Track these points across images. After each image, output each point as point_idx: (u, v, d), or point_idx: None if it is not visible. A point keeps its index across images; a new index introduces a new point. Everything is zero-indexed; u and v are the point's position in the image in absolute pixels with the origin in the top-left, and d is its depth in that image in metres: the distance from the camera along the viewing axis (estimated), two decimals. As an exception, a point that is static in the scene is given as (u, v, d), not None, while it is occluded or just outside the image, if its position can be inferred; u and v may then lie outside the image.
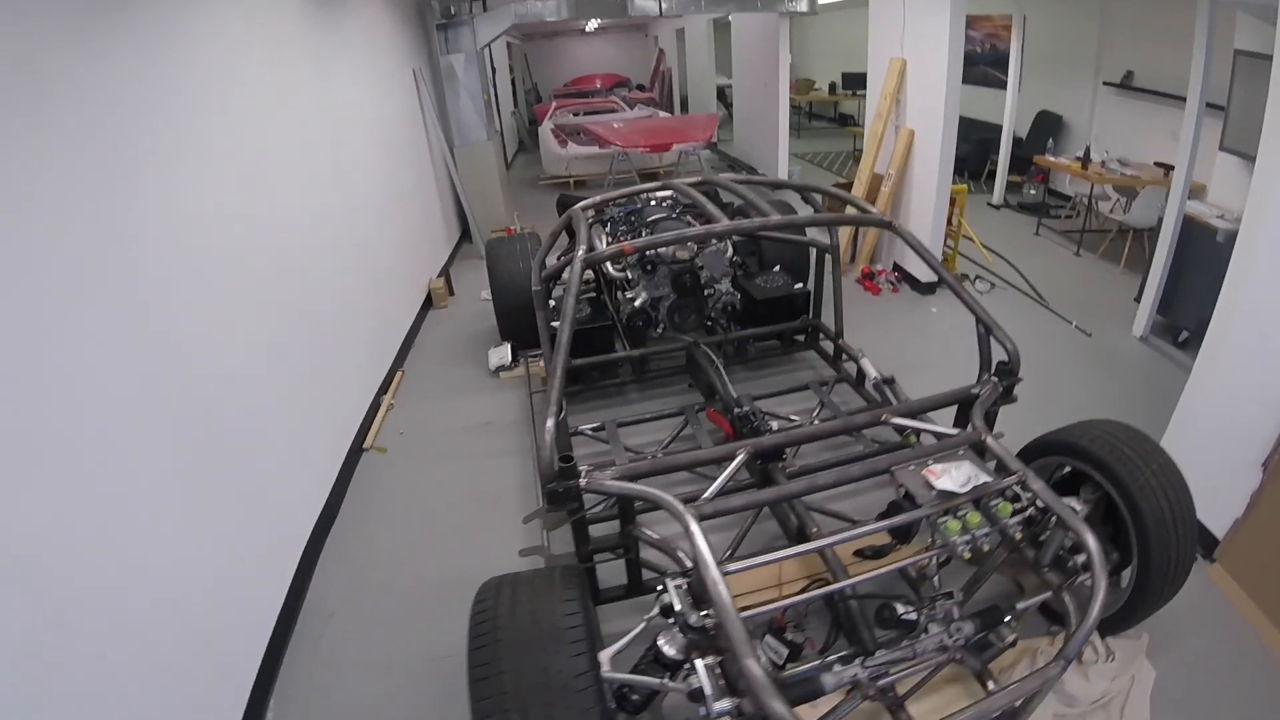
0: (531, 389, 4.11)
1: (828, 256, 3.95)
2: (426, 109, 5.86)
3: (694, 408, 3.71)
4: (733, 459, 2.33)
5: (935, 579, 2.10)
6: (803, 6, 7.29)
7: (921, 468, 2.09)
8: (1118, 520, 2.17)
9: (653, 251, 3.78)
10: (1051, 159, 6.78)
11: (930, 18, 4.84)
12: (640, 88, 14.50)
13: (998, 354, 2.61)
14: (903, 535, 2.08)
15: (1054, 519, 2.00)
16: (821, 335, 4.34)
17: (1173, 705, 2.16)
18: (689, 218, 4.34)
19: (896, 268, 5.93)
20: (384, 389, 4.22)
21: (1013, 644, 1.97)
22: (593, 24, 13.96)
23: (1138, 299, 5.32)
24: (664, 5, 6.71)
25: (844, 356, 4.09)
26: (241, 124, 2.76)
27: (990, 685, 1.93)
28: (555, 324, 2.85)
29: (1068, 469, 2.37)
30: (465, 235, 7.11)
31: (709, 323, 4.14)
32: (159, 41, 2.22)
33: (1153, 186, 5.92)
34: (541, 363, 4.12)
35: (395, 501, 3.39)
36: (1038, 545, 2.17)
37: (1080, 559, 2.05)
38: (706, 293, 4.04)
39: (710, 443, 3.38)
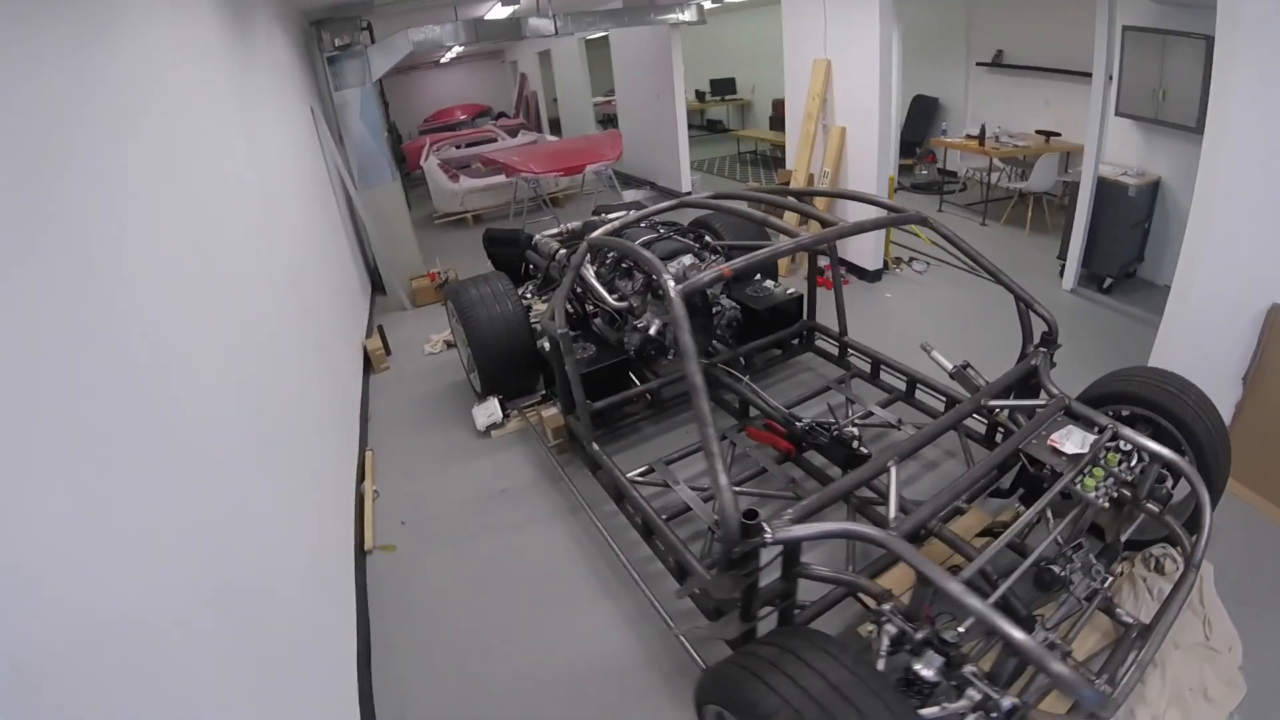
0: (548, 442, 3.64)
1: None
2: (327, 150, 5.19)
3: (734, 429, 3.45)
4: (884, 472, 2.21)
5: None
6: (691, 16, 7.30)
7: (1042, 441, 2.28)
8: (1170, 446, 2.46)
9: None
10: (948, 139, 7.19)
11: (856, 17, 4.92)
12: (503, 115, 14.08)
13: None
14: (1032, 500, 2.28)
15: (1147, 457, 2.23)
16: (818, 335, 4.25)
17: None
18: (673, 235, 4.09)
19: (842, 260, 6.00)
20: (359, 475, 3.59)
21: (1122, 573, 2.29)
22: (448, 55, 13.39)
23: (1060, 256, 5.72)
24: (559, 25, 6.46)
25: (849, 352, 4.04)
26: (181, 183, 2.16)
27: (1120, 613, 2.12)
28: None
29: (1125, 412, 2.61)
30: (377, 287, 6.41)
31: (716, 340, 3.89)
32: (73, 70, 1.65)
33: (1048, 154, 6.40)
34: (546, 413, 3.70)
35: (430, 604, 2.83)
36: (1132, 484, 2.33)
37: (1168, 485, 2.31)
38: (715, 310, 3.79)
39: (765, 462, 3.16)
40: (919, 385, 3.65)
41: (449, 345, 5.23)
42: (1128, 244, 5.31)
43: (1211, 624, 2.34)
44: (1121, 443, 2.27)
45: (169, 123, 2.09)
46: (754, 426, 3.46)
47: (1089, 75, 6.52)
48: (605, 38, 10.36)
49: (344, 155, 5.39)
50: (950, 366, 2.88)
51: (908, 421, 3.48)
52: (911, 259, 6.06)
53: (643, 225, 4.16)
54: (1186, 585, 2.01)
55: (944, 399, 3.51)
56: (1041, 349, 2.80)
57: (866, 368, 3.93)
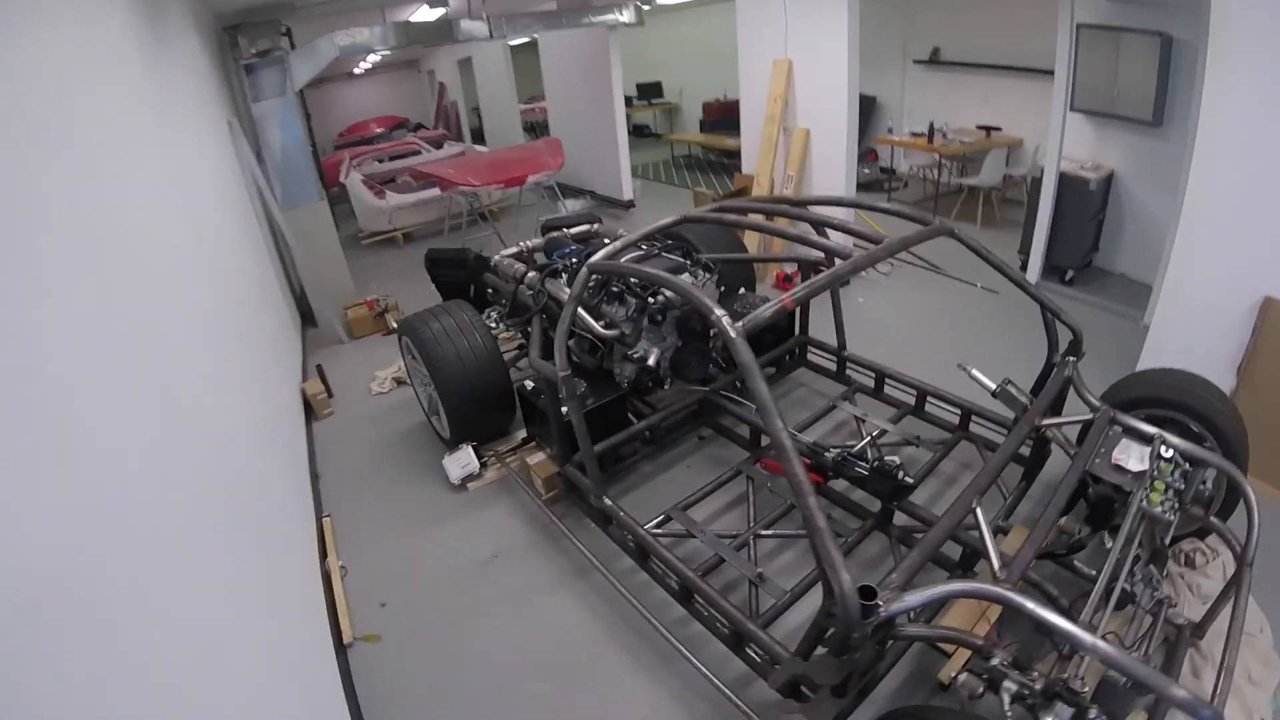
0: (540, 495, 3.21)
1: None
2: (247, 169, 4.56)
3: (747, 461, 3.15)
4: (970, 511, 2.05)
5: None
6: (629, 18, 6.99)
7: (1105, 459, 2.23)
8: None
9: (660, 296, 3.13)
10: (895, 138, 7.17)
11: (823, 15, 4.73)
12: (420, 126, 13.37)
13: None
14: (1101, 521, 2.22)
15: (1189, 463, 2.21)
16: (810, 350, 4.03)
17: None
18: (663, 253, 3.76)
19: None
20: (321, 551, 3.06)
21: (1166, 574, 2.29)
22: (362, 65, 12.59)
23: (1021, 251, 5.75)
24: (492, 27, 6.02)
25: (847, 366, 3.83)
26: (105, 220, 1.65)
27: (1172, 614, 2.05)
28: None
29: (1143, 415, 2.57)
30: (306, 318, 5.76)
31: (712, 364, 3.57)
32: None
33: (996, 150, 6.45)
34: (531, 459, 3.28)
35: (435, 702, 2.37)
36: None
37: (1208, 486, 2.26)
38: (713, 332, 3.47)
39: (787, 495, 2.87)
40: (929, 398, 3.48)
41: (400, 383, 4.70)
42: (1086, 236, 5.38)
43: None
44: (1163, 449, 2.22)
45: (73, 134, 1.59)
46: (768, 457, 3.17)
47: (1029, 71, 6.67)
48: (532, 42, 9.93)
49: (265, 173, 4.76)
50: (993, 386, 2.69)
51: (926, 438, 3.29)
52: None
53: (605, 242, 3.82)
54: (1243, 583, 1.99)
55: (957, 411, 3.35)
56: (1070, 359, 2.71)
57: (867, 381, 3.72)
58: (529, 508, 3.29)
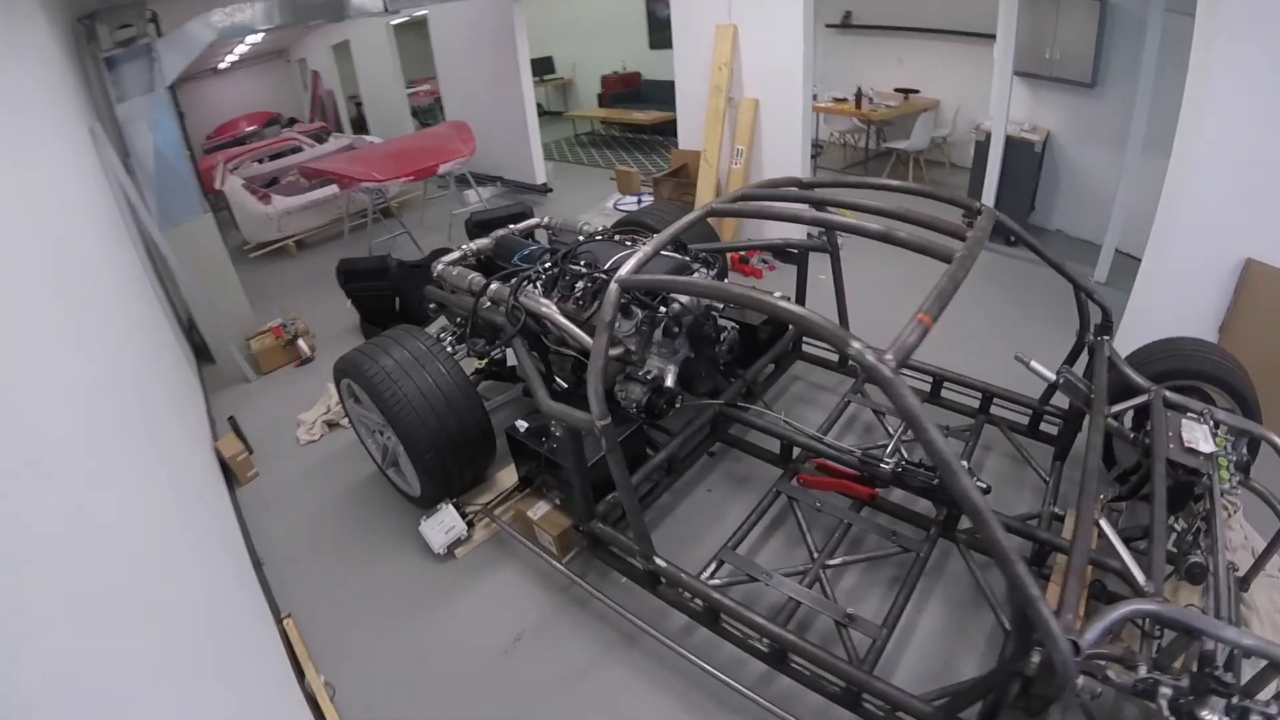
0: (557, 559, 2.71)
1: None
2: (114, 183, 3.65)
3: (784, 479, 2.83)
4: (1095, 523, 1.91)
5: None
6: (533, -14, 6.36)
7: (1177, 443, 2.17)
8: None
9: (674, 304, 2.70)
10: (818, 103, 7.01)
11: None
12: (294, 121, 11.96)
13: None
14: (1183, 504, 2.16)
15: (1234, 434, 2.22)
16: (805, 340, 3.75)
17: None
18: (626, 240, 3.31)
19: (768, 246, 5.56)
20: (295, 666, 2.44)
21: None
22: (227, 60, 11.04)
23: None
24: (387, 2, 5.27)
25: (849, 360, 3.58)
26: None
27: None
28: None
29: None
30: (201, 354, 4.85)
31: (722, 372, 3.20)
32: None
33: (926, 113, 6.41)
34: (534, 511, 2.79)
35: None
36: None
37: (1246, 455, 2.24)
38: (724, 337, 3.09)
39: (842, 515, 2.62)
40: (945, 383, 3.29)
41: (332, 425, 4.00)
42: (1027, 196, 5.45)
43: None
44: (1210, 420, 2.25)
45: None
46: (805, 472, 2.86)
47: (944, 33, 6.67)
48: (416, 21, 9.01)
49: (137, 186, 3.86)
50: (1053, 376, 2.49)
51: (954, 426, 3.11)
52: (822, 233, 5.77)
53: (601, 238, 3.33)
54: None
55: (978, 395, 3.17)
56: (1104, 338, 2.61)
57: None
58: (538, 567, 2.80)
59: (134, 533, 1.61)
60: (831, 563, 2.46)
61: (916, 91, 7.00)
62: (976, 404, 3.19)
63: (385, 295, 4.94)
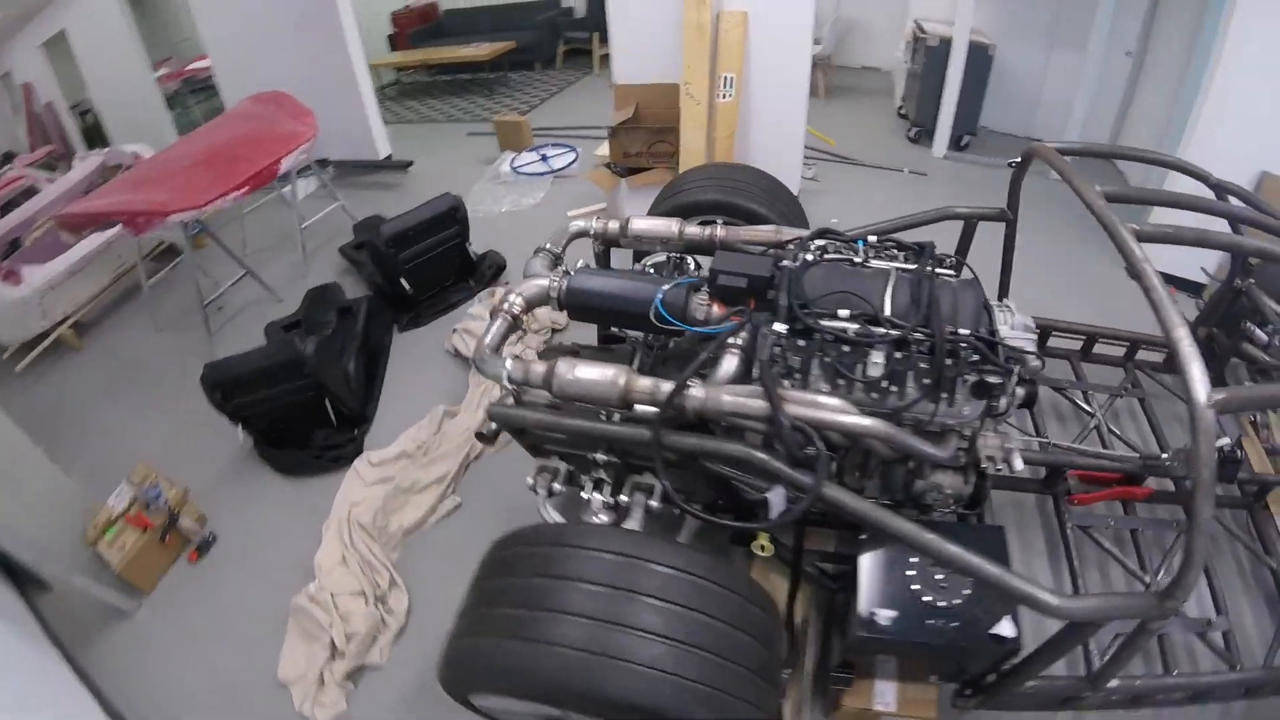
0: None
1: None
2: None
3: (1061, 498, 2.40)
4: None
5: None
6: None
7: None
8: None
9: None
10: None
11: None
12: (9, 154, 8.05)
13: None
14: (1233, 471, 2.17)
15: None
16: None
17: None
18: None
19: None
20: None
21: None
22: None
23: (909, 118, 5.89)
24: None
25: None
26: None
27: None
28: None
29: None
30: (20, 579, 2.80)
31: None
32: None
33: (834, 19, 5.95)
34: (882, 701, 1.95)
35: None
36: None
37: None
38: None
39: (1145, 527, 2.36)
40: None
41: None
42: (978, 100, 5.37)
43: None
44: None
45: None
46: (1075, 491, 2.41)
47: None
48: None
49: None
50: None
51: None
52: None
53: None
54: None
55: (1124, 344, 2.90)
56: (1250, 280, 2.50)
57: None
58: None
59: None
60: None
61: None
62: (1122, 352, 2.95)
63: (301, 400, 3.24)
